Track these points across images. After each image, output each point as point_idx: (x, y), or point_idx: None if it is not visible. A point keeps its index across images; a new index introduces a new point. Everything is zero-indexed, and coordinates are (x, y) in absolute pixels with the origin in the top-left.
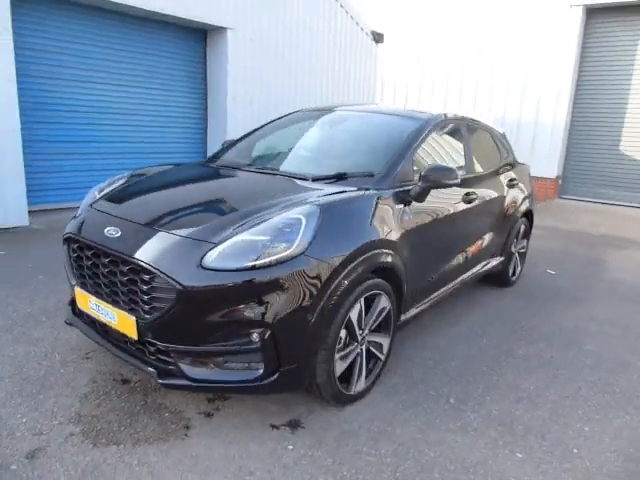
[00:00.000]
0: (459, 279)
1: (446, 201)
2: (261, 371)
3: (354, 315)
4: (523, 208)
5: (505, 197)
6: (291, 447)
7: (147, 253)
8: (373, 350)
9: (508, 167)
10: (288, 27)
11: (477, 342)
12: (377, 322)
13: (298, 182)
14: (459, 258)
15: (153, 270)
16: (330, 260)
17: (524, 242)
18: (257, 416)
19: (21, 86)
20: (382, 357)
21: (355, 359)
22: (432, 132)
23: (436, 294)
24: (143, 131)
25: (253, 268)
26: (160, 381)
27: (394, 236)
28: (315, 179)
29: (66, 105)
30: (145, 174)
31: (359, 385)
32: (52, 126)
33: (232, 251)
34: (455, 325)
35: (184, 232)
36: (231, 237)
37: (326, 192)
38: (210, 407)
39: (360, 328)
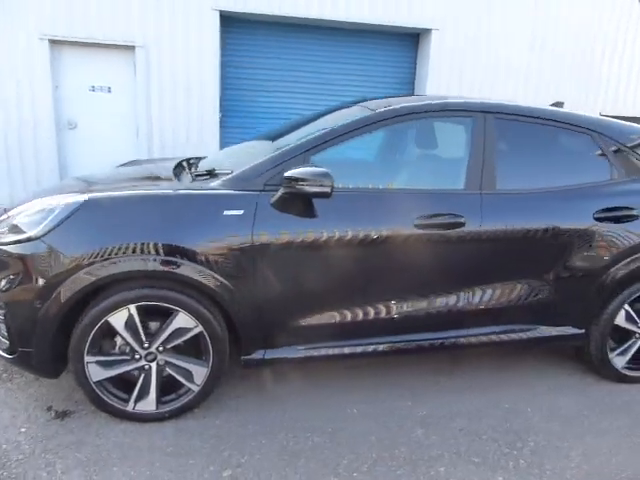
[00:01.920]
0: (407, 338)
1: (365, 220)
2: (7, 345)
3: (117, 322)
4: None
5: (586, 234)
6: (24, 429)
7: None
8: (174, 374)
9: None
10: (521, 17)
11: (383, 438)
12: (175, 342)
13: (175, 179)
14: (402, 307)
15: None
16: (71, 253)
17: None
18: (59, 393)
19: (222, 97)
20: (194, 388)
21: (139, 374)
22: (378, 128)
23: (343, 344)
24: None
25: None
26: None
27: (209, 245)
28: (197, 175)
29: (258, 112)
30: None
31: (144, 405)
32: (248, 130)
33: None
34: (422, 404)
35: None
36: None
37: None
38: None
39: (140, 341)
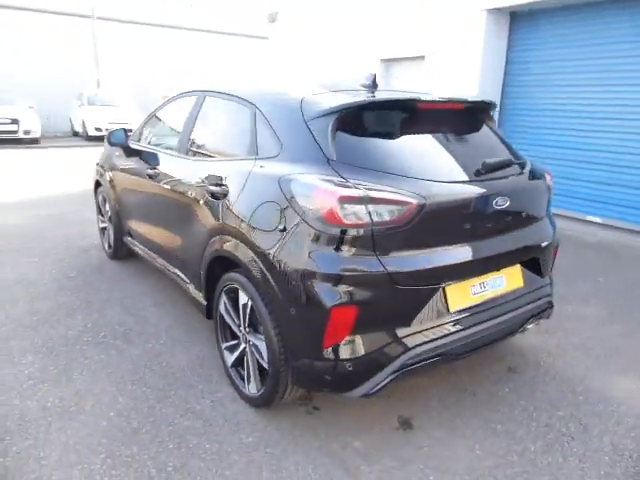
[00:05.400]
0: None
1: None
2: None
3: None
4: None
5: (195, 203)
6: None
7: None
8: None
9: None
10: None
11: None
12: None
13: None
14: (163, 235)
15: None
16: None
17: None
18: None
19: (504, 95)
20: None
21: None
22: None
23: (153, 255)
24: (634, 140)
25: None
26: None
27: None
28: None
29: (547, 110)
30: None
31: None
32: (532, 130)
33: None
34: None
35: None
36: None
37: None
38: None
39: None
